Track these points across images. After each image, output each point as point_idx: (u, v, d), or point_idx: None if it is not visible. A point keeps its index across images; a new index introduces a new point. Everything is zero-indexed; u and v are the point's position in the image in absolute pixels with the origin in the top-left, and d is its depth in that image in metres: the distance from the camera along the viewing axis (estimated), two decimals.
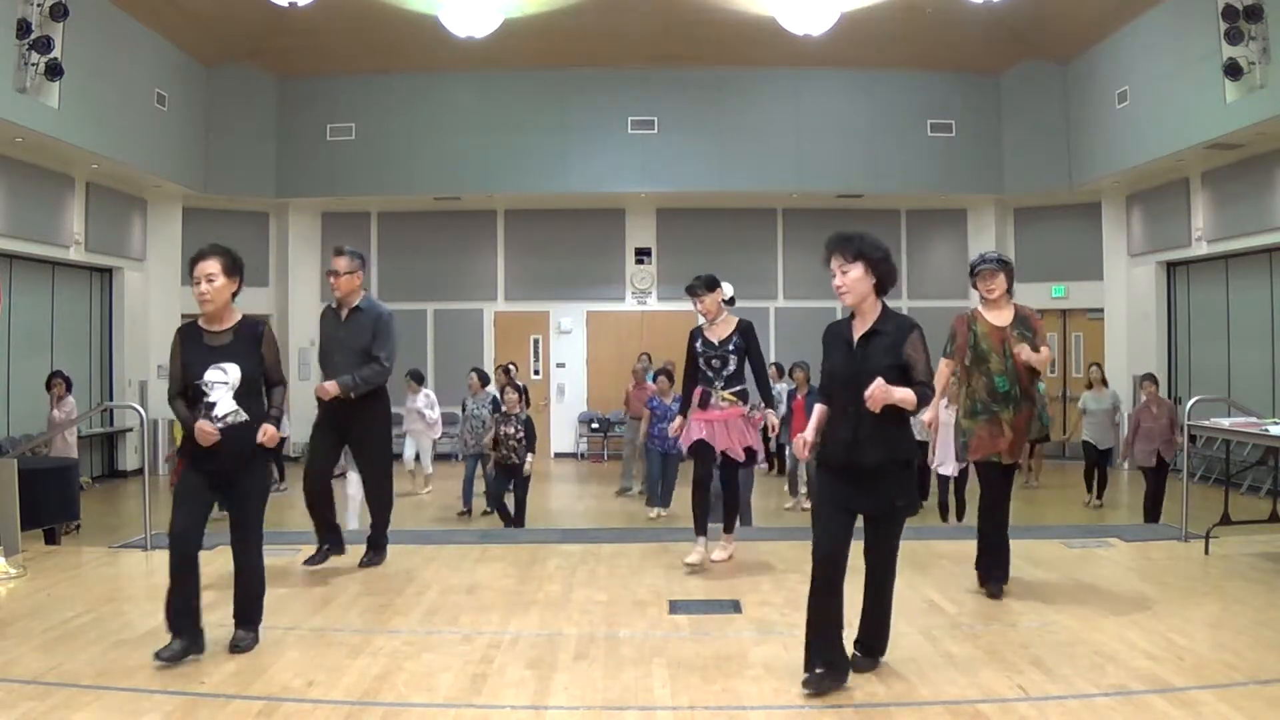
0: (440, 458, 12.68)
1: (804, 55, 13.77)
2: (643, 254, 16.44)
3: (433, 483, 12.29)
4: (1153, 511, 9.41)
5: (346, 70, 14.85)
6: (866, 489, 4.04)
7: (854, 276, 4.04)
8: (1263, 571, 6.12)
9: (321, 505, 6.23)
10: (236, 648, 4.55)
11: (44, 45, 10.15)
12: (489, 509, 9.61)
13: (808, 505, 10.59)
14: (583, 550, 6.98)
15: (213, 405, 4.44)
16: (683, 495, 9.07)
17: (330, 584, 5.91)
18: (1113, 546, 6.86)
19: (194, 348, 4.53)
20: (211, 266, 4.48)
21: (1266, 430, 6.64)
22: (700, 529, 6.32)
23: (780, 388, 12.46)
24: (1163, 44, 12.01)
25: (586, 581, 6.08)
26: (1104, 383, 11.30)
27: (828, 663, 4.03)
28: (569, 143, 15.00)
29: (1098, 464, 11.18)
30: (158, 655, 4.32)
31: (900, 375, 3.99)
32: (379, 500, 6.37)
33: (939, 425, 9.21)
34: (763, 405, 6.39)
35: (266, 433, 4.54)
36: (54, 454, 9.74)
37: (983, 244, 14.95)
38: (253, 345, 4.56)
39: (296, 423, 12.75)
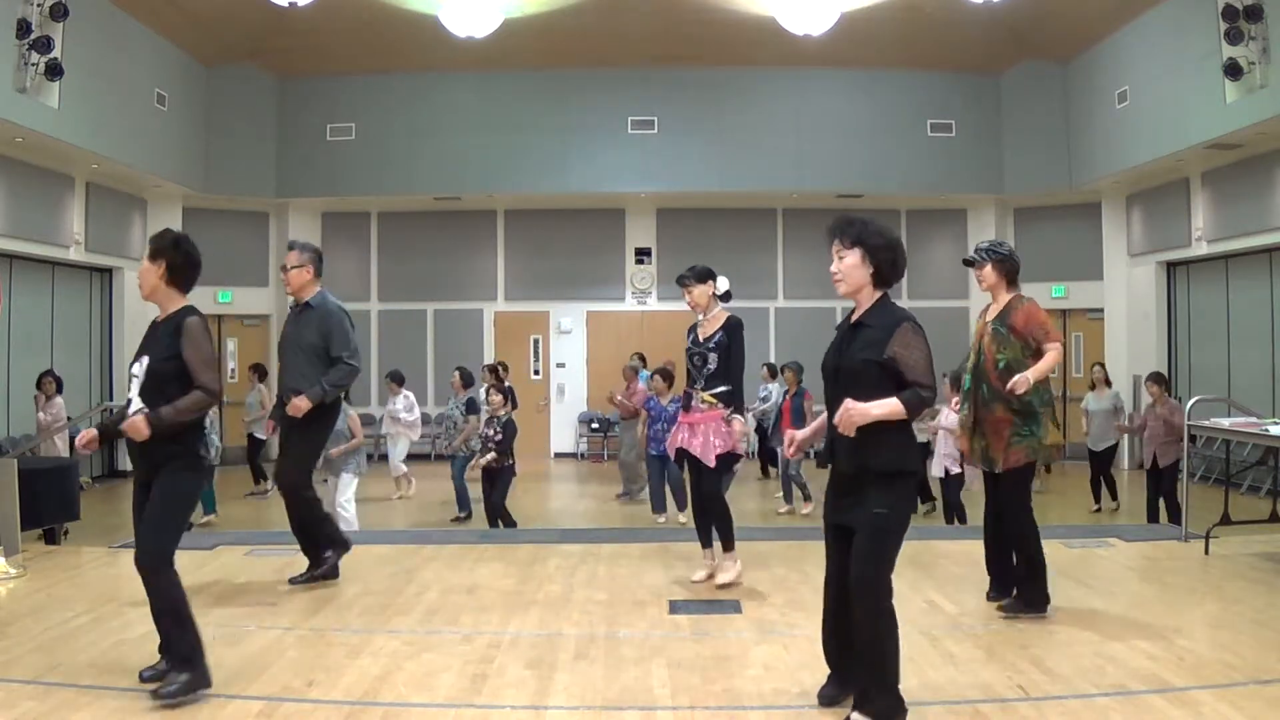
0: (413, 458, 12.34)
1: (804, 55, 13.77)
2: (643, 254, 16.45)
3: (415, 482, 11.90)
4: (1151, 515, 9.26)
5: (346, 70, 14.85)
6: (847, 497, 3.66)
7: (849, 263, 3.70)
8: (1263, 571, 6.13)
9: (293, 514, 5.94)
10: (158, 696, 3.84)
11: (44, 45, 10.15)
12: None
13: (806, 510, 10.58)
14: (583, 550, 6.99)
15: (129, 401, 4.17)
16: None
17: (330, 584, 5.91)
18: (1113, 546, 6.86)
19: (145, 339, 4.29)
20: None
21: (1266, 430, 6.64)
22: (703, 542, 6.06)
23: (772, 388, 12.46)
24: (1163, 44, 12.00)
25: (586, 581, 6.08)
26: (1107, 383, 11.02)
27: (842, 679, 3.80)
28: (569, 143, 15.00)
29: (1100, 469, 10.78)
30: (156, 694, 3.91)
31: (880, 373, 3.58)
32: (297, 508, 5.93)
33: (937, 427, 9.21)
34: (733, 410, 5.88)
35: (130, 426, 3.93)
36: (44, 455, 9.72)
37: None
38: (170, 337, 4.09)
39: None
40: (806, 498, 10.63)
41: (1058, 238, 15.27)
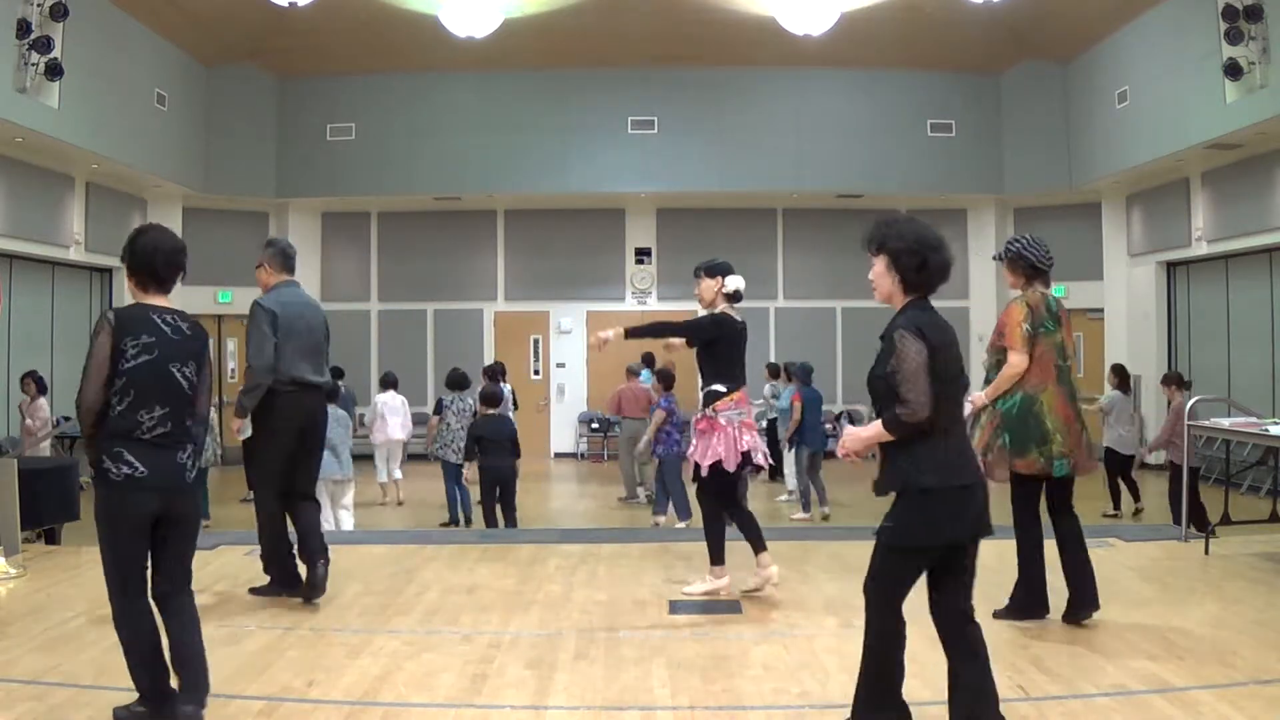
0: (413, 458, 12.10)
1: (804, 55, 13.76)
2: (643, 254, 16.44)
3: (405, 484, 11.69)
4: (1173, 512, 8.91)
5: (346, 70, 14.85)
6: None
7: (876, 270, 3.48)
8: (1263, 571, 6.13)
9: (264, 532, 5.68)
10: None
11: (44, 45, 10.15)
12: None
13: (801, 515, 10.56)
14: (583, 550, 6.99)
15: None
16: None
17: (330, 584, 5.90)
18: (1112, 546, 6.85)
19: None
20: None
21: (1266, 430, 6.64)
22: (752, 549, 5.70)
23: (769, 388, 12.44)
24: (1163, 44, 12.00)
25: (586, 581, 6.08)
26: (1119, 385, 10.32)
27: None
28: (569, 143, 14.99)
29: (1120, 470, 10.13)
30: None
31: (888, 389, 3.33)
32: (258, 520, 5.72)
33: None
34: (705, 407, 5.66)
35: None
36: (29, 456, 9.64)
37: (983, 244, 14.98)
38: None
39: None
40: (822, 502, 10.45)
41: (1057, 238, 15.00)
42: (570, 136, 14.97)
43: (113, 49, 11.89)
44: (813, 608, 5.40)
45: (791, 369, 11.15)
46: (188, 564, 3.79)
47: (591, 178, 15.09)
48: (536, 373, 16.33)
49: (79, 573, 6.28)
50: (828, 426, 11.87)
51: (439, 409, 10.18)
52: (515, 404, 11.48)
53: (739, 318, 5.80)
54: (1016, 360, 4.97)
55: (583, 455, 16.29)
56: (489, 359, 14.77)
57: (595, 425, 16.06)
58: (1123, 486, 10.19)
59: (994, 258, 5.27)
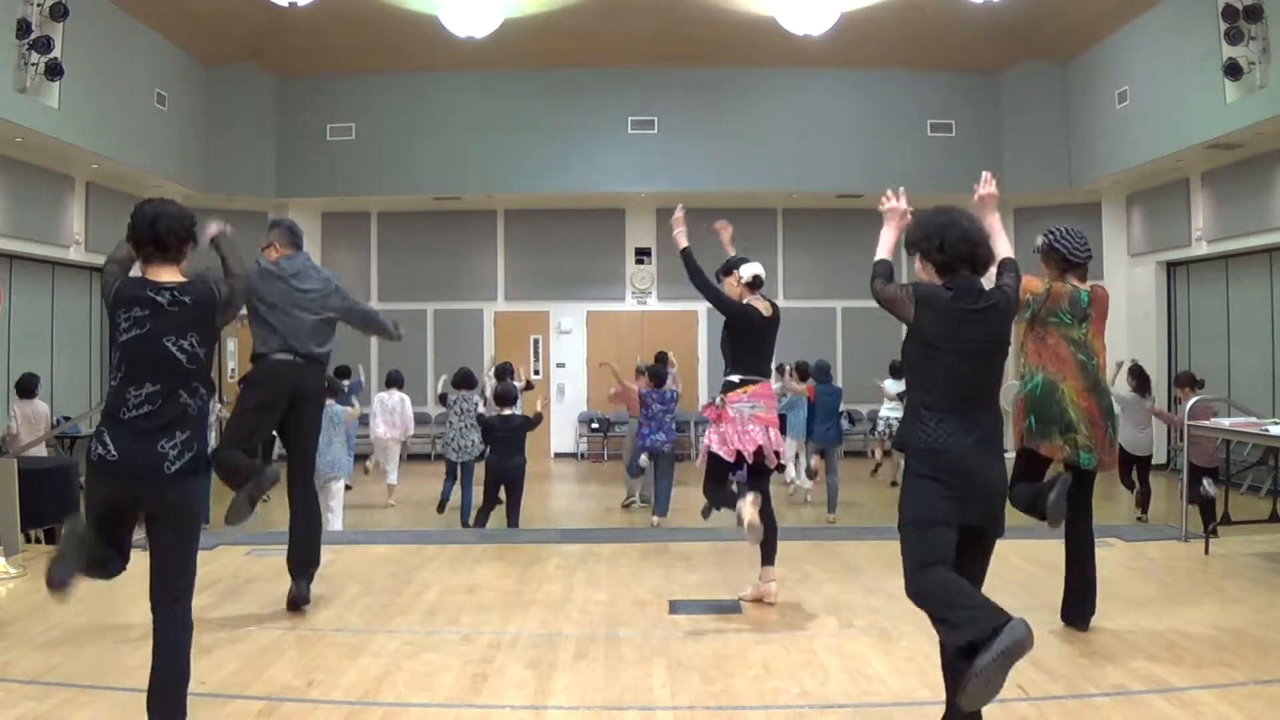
0: (414, 458, 12.05)
1: (804, 55, 13.76)
2: (643, 254, 16.44)
3: (401, 484, 11.63)
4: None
5: (346, 70, 14.85)
6: None
7: (916, 270, 3.56)
8: (1263, 571, 6.13)
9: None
10: None
11: (44, 45, 10.15)
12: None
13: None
14: (583, 550, 6.99)
15: None
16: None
17: (330, 584, 5.91)
18: (1112, 546, 6.85)
19: None
20: None
21: (1266, 430, 6.64)
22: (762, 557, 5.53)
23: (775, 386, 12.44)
24: (1163, 44, 12.00)
25: (586, 581, 6.08)
26: (1139, 387, 9.92)
27: None
28: (569, 143, 14.99)
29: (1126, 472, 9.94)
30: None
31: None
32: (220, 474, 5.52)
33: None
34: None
35: None
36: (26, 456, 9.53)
37: None
38: None
39: None
40: (831, 508, 10.29)
41: None
42: (570, 136, 14.97)
43: (113, 49, 11.89)
44: (813, 608, 5.40)
45: (805, 368, 11.14)
46: (177, 567, 3.41)
47: (591, 178, 15.09)
48: (536, 373, 16.31)
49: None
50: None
51: (444, 402, 10.18)
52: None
53: (766, 310, 5.70)
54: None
55: (583, 455, 16.29)
56: (489, 359, 14.77)
57: (595, 425, 16.06)
58: (1137, 485, 9.89)
59: (1034, 250, 5.14)
